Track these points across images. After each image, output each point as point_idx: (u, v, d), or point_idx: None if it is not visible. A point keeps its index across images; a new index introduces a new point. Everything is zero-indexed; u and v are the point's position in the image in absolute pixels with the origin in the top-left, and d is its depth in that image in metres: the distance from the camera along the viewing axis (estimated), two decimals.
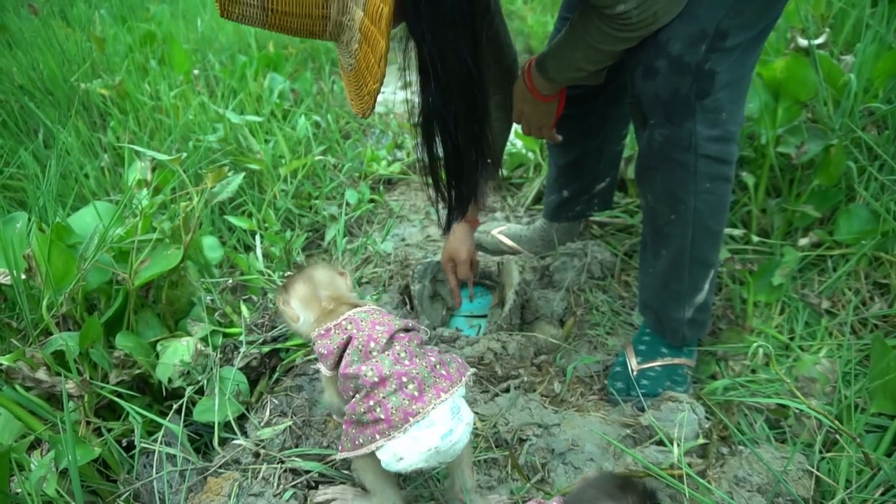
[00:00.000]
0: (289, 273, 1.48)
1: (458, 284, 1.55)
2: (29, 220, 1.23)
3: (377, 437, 0.83)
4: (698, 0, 0.98)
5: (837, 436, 1.03)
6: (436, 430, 0.82)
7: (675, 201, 1.13)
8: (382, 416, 0.82)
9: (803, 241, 1.47)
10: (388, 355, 0.87)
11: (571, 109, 1.40)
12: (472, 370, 0.94)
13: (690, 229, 1.14)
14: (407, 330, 0.93)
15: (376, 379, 0.84)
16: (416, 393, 0.83)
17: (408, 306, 1.52)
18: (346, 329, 0.91)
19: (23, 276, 1.14)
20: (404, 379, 0.84)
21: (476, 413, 1.16)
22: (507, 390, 1.24)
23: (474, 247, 1.53)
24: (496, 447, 1.09)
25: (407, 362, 0.86)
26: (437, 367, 0.87)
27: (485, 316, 1.56)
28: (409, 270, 1.58)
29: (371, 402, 0.83)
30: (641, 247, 1.29)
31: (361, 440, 0.84)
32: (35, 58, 2.45)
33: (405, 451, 0.82)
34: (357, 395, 0.86)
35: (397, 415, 0.81)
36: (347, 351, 0.89)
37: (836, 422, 0.98)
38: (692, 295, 1.20)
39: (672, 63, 1.00)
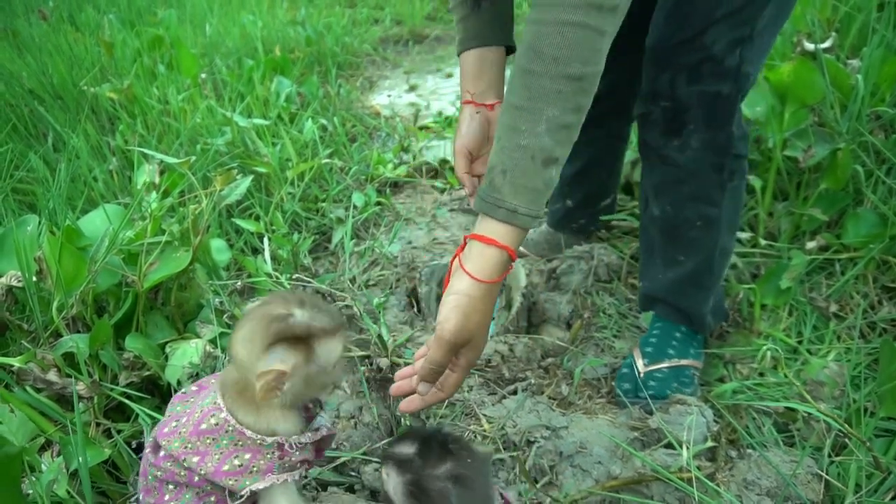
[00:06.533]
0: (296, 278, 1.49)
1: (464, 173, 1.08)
2: (39, 223, 1.24)
3: None
4: (737, 4, 1.00)
5: (847, 440, 1.03)
6: None
7: (708, 205, 1.16)
8: None
9: (811, 245, 1.47)
10: None
11: None
12: None
13: (721, 228, 1.18)
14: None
15: None
16: None
17: (415, 308, 1.53)
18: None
19: (34, 279, 1.15)
20: None
21: (484, 415, 1.16)
22: (515, 392, 1.24)
23: (476, 133, 1.05)
24: (504, 449, 1.09)
25: None
26: None
27: (492, 318, 1.56)
28: (417, 273, 1.58)
29: None
30: (646, 255, 1.29)
31: None
32: (45, 62, 2.47)
33: None
34: None
35: None
36: None
37: (846, 425, 0.98)
38: (717, 283, 1.25)
39: (716, 66, 1.03)
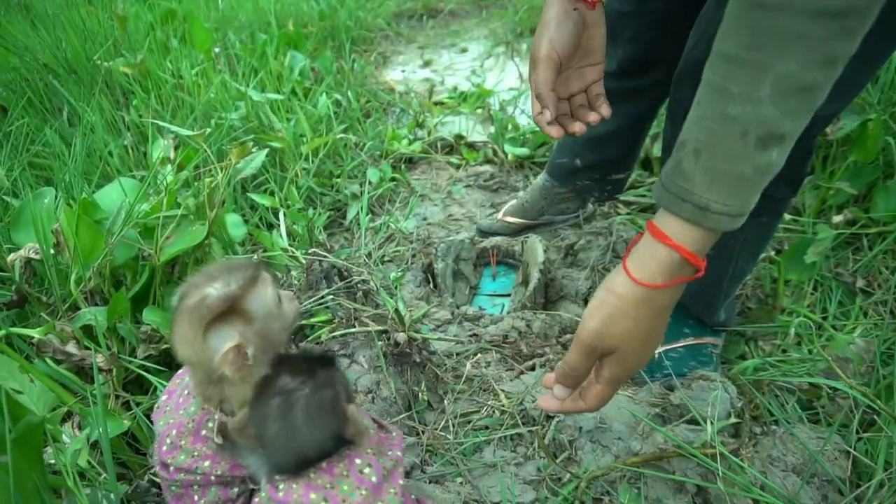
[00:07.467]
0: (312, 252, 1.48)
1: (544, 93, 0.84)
2: (56, 196, 1.24)
3: None
4: None
5: (875, 416, 1.01)
6: None
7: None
8: None
9: (837, 219, 1.43)
10: None
11: (618, 84, 1.20)
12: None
13: (735, 257, 1.08)
14: None
15: None
16: None
17: (431, 284, 1.52)
18: None
19: (51, 251, 1.15)
20: None
21: (502, 390, 1.15)
22: (533, 368, 1.22)
23: (570, 36, 0.82)
24: (522, 424, 1.08)
25: None
26: None
27: (508, 295, 1.54)
28: (432, 249, 1.57)
29: None
30: None
31: None
32: (58, 36, 2.45)
33: None
34: None
35: None
36: None
37: (878, 400, 0.96)
38: (725, 300, 1.19)
39: None
